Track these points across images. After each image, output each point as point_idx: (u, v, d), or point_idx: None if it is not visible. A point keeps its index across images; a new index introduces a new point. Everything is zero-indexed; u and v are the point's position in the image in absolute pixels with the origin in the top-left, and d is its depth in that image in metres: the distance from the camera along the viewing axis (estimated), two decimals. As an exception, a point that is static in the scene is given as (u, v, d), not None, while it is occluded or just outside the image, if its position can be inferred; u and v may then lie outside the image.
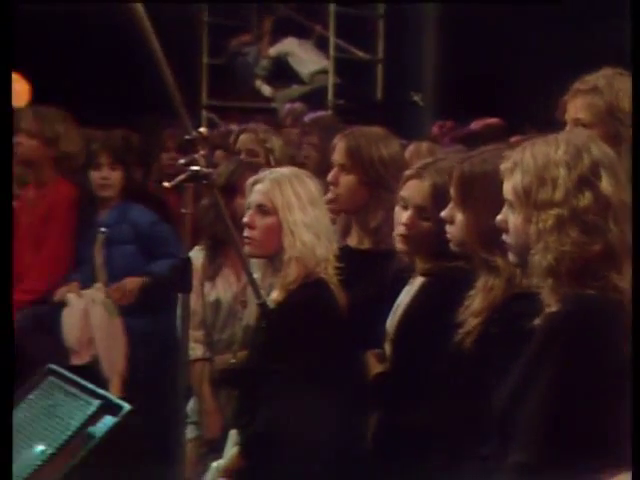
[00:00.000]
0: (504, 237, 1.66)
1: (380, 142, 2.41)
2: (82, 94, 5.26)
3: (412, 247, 2.08)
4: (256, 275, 2.33)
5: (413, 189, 2.08)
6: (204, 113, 6.31)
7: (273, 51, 6.16)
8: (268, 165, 3.09)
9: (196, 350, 2.71)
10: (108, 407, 2.25)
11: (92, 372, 3.07)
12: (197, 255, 2.70)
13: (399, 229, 2.08)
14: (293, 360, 2.12)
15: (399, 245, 2.10)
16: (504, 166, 1.63)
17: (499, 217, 1.66)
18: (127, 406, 2.30)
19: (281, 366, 2.14)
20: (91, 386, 2.33)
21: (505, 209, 1.65)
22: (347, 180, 2.38)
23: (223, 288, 2.81)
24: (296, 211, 2.24)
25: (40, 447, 2.25)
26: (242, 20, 6.46)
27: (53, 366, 2.40)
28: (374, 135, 2.45)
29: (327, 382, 2.13)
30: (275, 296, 2.24)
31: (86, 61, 5.80)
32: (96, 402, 2.26)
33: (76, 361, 3.12)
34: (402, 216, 2.08)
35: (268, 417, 2.14)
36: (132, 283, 3.24)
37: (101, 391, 2.32)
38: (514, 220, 1.60)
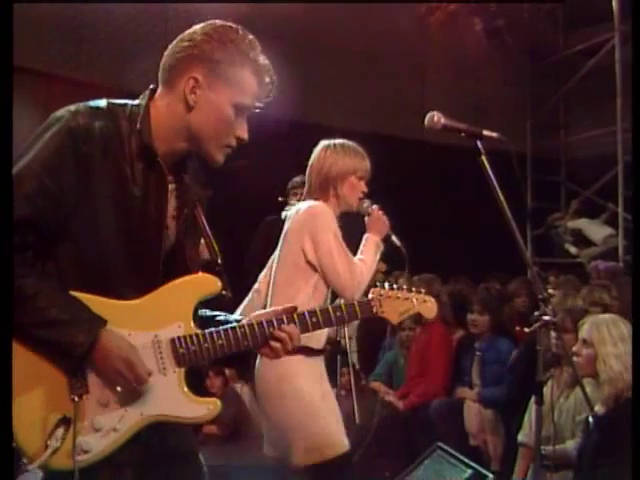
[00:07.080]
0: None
1: None
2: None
3: None
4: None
5: None
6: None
7: (571, 224, 7.71)
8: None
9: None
10: (477, 475, 3.10)
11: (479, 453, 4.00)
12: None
13: None
14: (615, 456, 2.68)
15: None
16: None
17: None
18: (491, 475, 3.17)
19: (607, 460, 2.75)
20: (465, 459, 3.19)
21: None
22: None
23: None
24: (608, 346, 2.86)
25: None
26: (554, 202, 8.26)
27: (440, 444, 3.33)
28: None
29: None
30: (599, 408, 2.86)
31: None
32: (469, 471, 3.12)
33: (472, 442, 4.07)
34: None
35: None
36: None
37: (472, 463, 3.16)
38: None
